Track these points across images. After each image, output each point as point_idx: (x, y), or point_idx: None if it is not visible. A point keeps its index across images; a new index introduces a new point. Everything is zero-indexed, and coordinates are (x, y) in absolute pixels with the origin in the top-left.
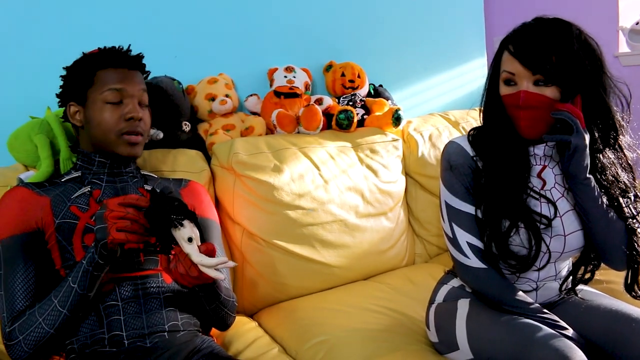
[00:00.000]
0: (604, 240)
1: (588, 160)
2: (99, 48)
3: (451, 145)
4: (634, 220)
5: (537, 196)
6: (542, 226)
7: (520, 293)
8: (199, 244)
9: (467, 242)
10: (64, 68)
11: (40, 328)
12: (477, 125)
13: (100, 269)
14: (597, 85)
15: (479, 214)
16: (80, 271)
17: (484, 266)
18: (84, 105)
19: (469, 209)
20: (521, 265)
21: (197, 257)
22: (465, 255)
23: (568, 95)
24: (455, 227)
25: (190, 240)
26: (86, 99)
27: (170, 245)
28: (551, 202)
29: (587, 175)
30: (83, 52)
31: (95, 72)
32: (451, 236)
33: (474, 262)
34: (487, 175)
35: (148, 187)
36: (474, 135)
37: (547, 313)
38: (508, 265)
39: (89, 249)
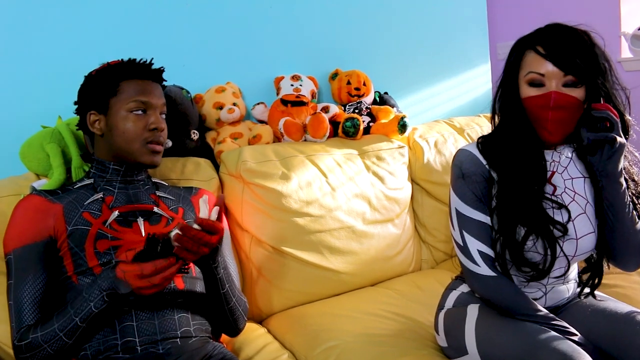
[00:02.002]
0: (627, 239)
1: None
2: (121, 59)
3: (463, 153)
4: None
5: (551, 202)
6: (558, 233)
7: (530, 300)
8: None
9: (477, 250)
10: (85, 76)
11: (61, 340)
12: (483, 133)
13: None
14: (612, 87)
15: (491, 222)
16: (85, 310)
17: (493, 274)
18: (105, 113)
19: (481, 217)
20: (538, 273)
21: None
22: (476, 263)
23: (592, 96)
24: (466, 234)
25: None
26: (108, 107)
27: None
28: (564, 207)
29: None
30: (108, 63)
31: (119, 82)
32: (461, 244)
33: (484, 270)
34: (502, 182)
35: (160, 194)
36: (484, 143)
37: (556, 320)
38: (524, 273)
39: (93, 290)
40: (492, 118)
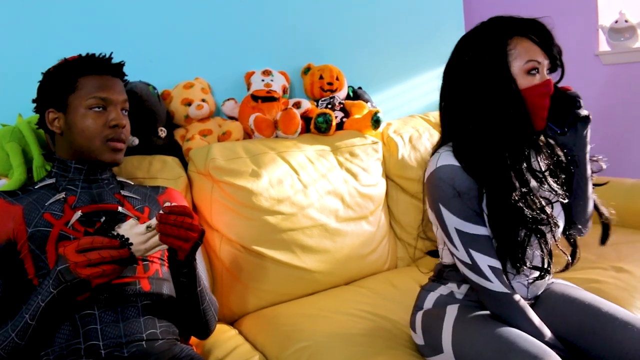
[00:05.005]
0: (588, 202)
1: None
2: (79, 54)
3: (449, 169)
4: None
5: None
6: (553, 226)
7: (535, 318)
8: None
9: (488, 265)
10: (42, 73)
11: (13, 341)
12: (439, 139)
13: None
14: None
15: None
16: (33, 306)
17: (505, 290)
18: (64, 111)
19: (483, 230)
20: (543, 271)
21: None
22: (488, 279)
23: None
24: (473, 252)
25: (149, 227)
26: (67, 105)
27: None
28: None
29: None
30: (65, 59)
31: (77, 79)
32: (470, 262)
33: (496, 286)
34: (495, 188)
35: (125, 193)
36: (460, 152)
37: (549, 335)
38: (527, 276)
39: (42, 285)
40: (458, 119)
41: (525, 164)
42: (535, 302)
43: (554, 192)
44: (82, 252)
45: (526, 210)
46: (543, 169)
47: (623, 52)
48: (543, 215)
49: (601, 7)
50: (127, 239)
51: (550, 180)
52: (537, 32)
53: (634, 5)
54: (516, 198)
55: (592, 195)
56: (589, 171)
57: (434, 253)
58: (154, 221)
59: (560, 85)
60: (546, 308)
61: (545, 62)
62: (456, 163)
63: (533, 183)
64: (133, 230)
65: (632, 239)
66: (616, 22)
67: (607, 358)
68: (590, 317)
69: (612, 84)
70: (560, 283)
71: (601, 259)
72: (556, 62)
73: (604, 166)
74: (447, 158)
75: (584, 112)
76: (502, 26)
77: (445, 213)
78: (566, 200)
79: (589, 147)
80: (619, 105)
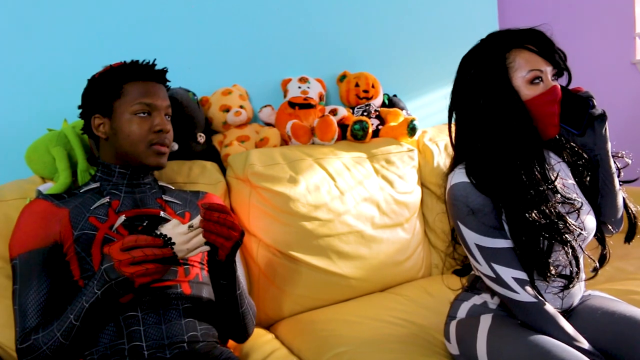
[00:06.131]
0: (616, 199)
1: None
2: (124, 61)
3: (462, 187)
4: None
5: (563, 200)
6: (577, 232)
7: (569, 328)
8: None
9: (512, 277)
10: (88, 80)
11: (58, 341)
12: (452, 157)
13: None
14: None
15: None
16: (78, 307)
17: (533, 300)
18: (110, 117)
19: (504, 243)
20: (569, 281)
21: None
22: (514, 291)
23: None
24: (495, 266)
25: (191, 226)
26: (112, 110)
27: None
28: (571, 203)
29: None
30: (111, 65)
31: (122, 85)
32: (494, 276)
33: (523, 296)
34: (510, 200)
35: (166, 198)
36: (472, 171)
37: (585, 343)
38: (554, 287)
39: (88, 286)
40: (467, 137)
41: (538, 174)
42: (571, 314)
43: (567, 200)
44: (126, 250)
45: (542, 220)
46: (561, 174)
47: None
48: (561, 224)
49: (638, 15)
50: (170, 238)
51: (559, 188)
52: (535, 41)
53: None
54: (530, 209)
55: (620, 192)
56: (613, 168)
57: (460, 272)
58: (195, 221)
59: (571, 87)
60: (583, 319)
61: (549, 70)
62: (467, 180)
63: (559, 186)
64: (176, 230)
65: None
66: None
67: None
68: (629, 329)
69: None
70: (597, 295)
71: None
72: (561, 68)
73: (629, 161)
74: (460, 176)
75: (598, 110)
76: (499, 41)
77: (464, 230)
78: (581, 206)
79: (609, 145)
80: None
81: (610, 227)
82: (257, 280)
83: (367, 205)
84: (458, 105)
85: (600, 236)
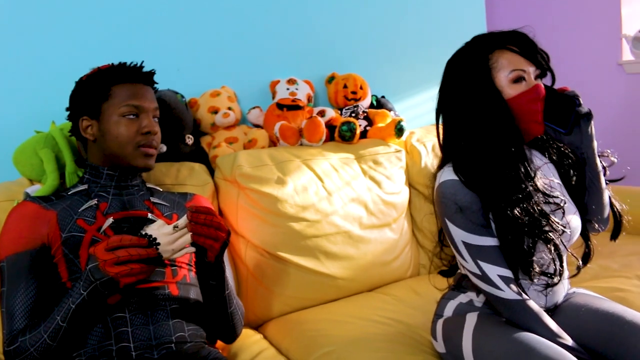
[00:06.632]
0: (602, 197)
1: None
2: (112, 63)
3: (451, 184)
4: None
5: (546, 199)
6: (561, 231)
7: (553, 325)
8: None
9: (497, 275)
10: (76, 82)
11: (45, 343)
12: (441, 157)
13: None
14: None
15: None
16: (64, 308)
17: (517, 297)
18: (97, 119)
19: (490, 241)
20: (552, 279)
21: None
22: (499, 288)
23: None
24: (482, 263)
25: (176, 227)
26: (100, 112)
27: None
28: (555, 202)
29: None
30: (98, 68)
31: (110, 87)
32: (480, 273)
33: (508, 294)
34: (494, 198)
35: (154, 200)
36: (460, 169)
37: (568, 340)
38: (538, 284)
39: (74, 287)
40: (454, 136)
41: (521, 173)
42: (556, 311)
43: (550, 199)
44: (111, 250)
45: (525, 218)
46: (547, 174)
47: None
48: (544, 222)
49: (625, 16)
50: (155, 238)
51: (541, 186)
52: (518, 43)
53: None
54: (513, 207)
55: (606, 190)
56: (599, 166)
57: (446, 273)
58: (180, 222)
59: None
60: (567, 316)
61: (531, 70)
62: (455, 178)
63: (540, 184)
64: (161, 231)
65: None
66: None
67: None
68: (613, 326)
69: (635, 92)
70: (581, 292)
71: (625, 268)
72: (544, 68)
73: (615, 160)
74: (448, 174)
75: (584, 109)
76: (482, 42)
77: (452, 227)
78: (564, 204)
79: (595, 143)
80: None
81: (596, 226)
82: (246, 281)
83: (355, 205)
84: (444, 106)
85: (584, 235)
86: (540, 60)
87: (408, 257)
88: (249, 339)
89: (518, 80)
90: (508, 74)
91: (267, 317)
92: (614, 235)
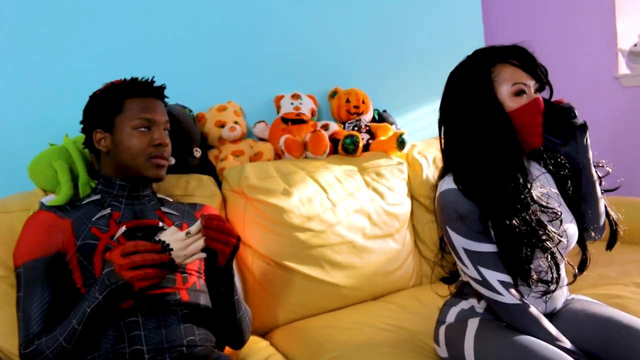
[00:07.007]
0: (599, 206)
1: None
2: (124, 78)
3: (451, 194)
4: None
5: (543, 210)
6: (557, 240)
7: (552, 329)
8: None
9: (497, 280)
10: (90, 97)
11: (61, 345)
12: (442, 167)
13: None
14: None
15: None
16: (80, 311)
17: (516, 302)
18: (111, 131)
19: (490, 247)
20: (550, 286)
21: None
22: (499, 293)
23: None
24: (482, 269)
25: (188, 233)
26: (114, 125)
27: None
28: (552, 212)
29: None
30: (111, 82)
31: (123, 101)
32: (480, 279)
33: (507, 298)
34: (493, 208)
35: (165, 210)
36: (461, 180)
37: (567, 343)
38: (536, 292)
39: (90, 291)
40: (456, 147)
41: (520, 183)
42: (554, 316)
43: (546, 209)
44: (126, 255)
45: (523, 227)
46: (544, 184)
47: None
48: (541, 231)
49: (620, 31)
50: (168, 244)
51: (537, 197)
52: (519, 57)
53: None
54: (511, 217)
55: (602, 199)
56: (594, 176)
57: (447, 280)
58: (193, 228)
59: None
60: (566, 321)
61: (532, 83)
62: (455, 187)
63: (536, 194)
64: (174, 237)
65: None
66: (635, 45)
67: None
68: (610, 330)
69: (631, 105)
70: (580, 299)
71: (622, 276)
72: (543, 82)
73: (610, 170)
74: (449, 183)
75: (579, 121)
76: (484, 56)
77: (452, 234)
78: (561, 214)
79: (591, 154)
80: (638, 127)
81: (593, 234)
82: (253, 289)
83: (359, 216)
84: (446, 117)
85: (581, 243)
86: (539, 74)
87: (411, 267)
88: (256, 345)
89: (519, 93)
90: (510, 87)
91: (273, 325)
92: (610, 245)
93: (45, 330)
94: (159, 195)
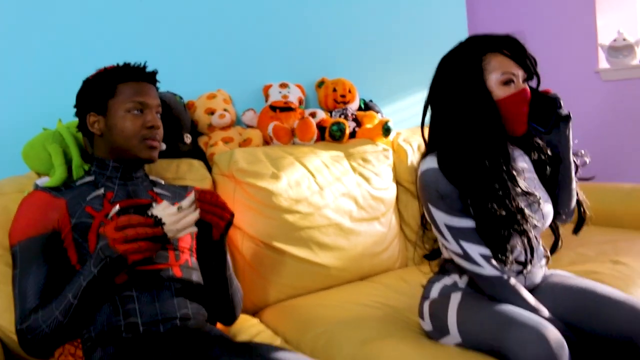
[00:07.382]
0: (571, 188)
1: None
2: (117, 64)
3: (432, 173)
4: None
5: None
6: (534, 225)
7: (531, 299)
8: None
9: (479, 253)
10: (83, 81)
11: (56, 319)
12: (425, 147)
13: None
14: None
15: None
16: (76, 285)
17: (497, 274)
18: (104, 114)
19: (471, 223)
20: (524, 267)
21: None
22: (480, 265)
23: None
24: (464, 243)
25: (180, 208)
26: (107, 109)
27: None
28: (532, 194)
29: None
30: (104, 68)
31: (116, 85)
32: (462, 253)
33: (487, 270)
34: (474, 192)
35: (157, 190)
36: (444, 161)
37: (546, 312)
38: (511, 270)
39: (85, 266)
40: (442, 131)
41: (502, 169)
42: (534, 291)
43: (527, 194)
44: (120, 229)
45: (503, 212)
46: (524, 168)
47: (622, 69)
48: (519, 216)
49: (600, 26)
50: (161, 218)
51: (521, 183)
52: (510, 47)
53: (631, 24)
54: (492, 201)
55: (576, 187)
56: (572, 164)
57: (429, 256)
58: (185, 203)
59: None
60: (544, 293)
61: (520, 73)
62: (436, 167)
63: (520, 181)
64: (166, 211)
65: (630, 237)
66: (615, 40)
67: (600, 332)
68: (585, 299)
69: (611, 99)
70: (558, 273)
71: (600, 255)
72: (531, 72)
73: (588, 160)
74: (431, 162)
75: (564, 111)
76: (476, 44)
77: (434, 211)
78: (540, 199)
79: (571, 143)
80: (617, 120)
81: (564, 217)
82: (243, 270)
83: (345, 200)
84: (434, 100)
85: (554, 226)
86: (529, 65)
87: (396, 249)
88: (246, 322)
89: (508, 82)
90: (499, 76)
91: (263, 304)
92: (577, 229)
93: (41, 305)
94: (151, 178)
